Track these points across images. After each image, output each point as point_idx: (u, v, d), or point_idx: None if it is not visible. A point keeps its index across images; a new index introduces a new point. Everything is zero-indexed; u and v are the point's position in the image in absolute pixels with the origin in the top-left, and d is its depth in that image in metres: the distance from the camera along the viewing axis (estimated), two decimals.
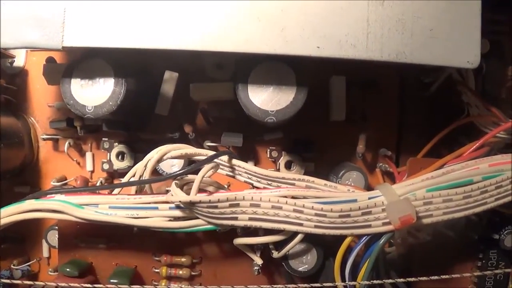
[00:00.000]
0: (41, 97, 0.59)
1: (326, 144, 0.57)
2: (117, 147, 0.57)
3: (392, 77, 0.57)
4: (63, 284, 0.43)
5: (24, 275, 0.59)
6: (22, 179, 0.59)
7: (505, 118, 0.50)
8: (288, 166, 0.56)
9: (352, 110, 0.55)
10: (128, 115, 0.54)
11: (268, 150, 0.57)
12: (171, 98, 0.53)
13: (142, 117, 0.56)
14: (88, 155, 0.59)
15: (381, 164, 0.57)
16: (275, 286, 0.45)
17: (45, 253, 0.60)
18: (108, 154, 0.57)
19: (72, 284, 0.43)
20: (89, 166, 0.59)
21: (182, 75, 0.53)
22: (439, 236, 0.52)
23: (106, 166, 0.57)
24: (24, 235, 0.60)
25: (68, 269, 0.51)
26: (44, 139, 0.59)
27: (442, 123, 0.54)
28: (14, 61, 0.59)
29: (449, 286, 0.54)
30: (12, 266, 0.59)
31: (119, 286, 0.47)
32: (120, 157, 0.57)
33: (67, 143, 0.58)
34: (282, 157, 0.56)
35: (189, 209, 0.45)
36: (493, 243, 0.54)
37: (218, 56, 0.55)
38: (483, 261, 0.55)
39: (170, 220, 0.47)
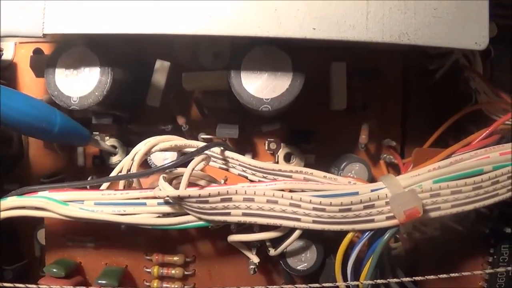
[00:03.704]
0: (30, 91, 0.56)
1: (327, 135, 0.54)
2: (108, 141, 0.54)
3: (396, 64, 0.54)
4: (44, 287, 0.40)
5: (16, 276, 0.56)
6: (12, 177, 0.57)
7: None
8: (287, 158, 0.53)
9: (353, 99, 0.53)
10: (117, 107, 0.51)
11: (266, 142, 0.54)
12: (162, 88, 0.51)
13: (133, 109, 0.54)
14: (79, 150, 0.56)
15: (385, 155, 0.54)
16: (270, 286, 0.42)
17: (37, 252, 0.58)
18: (99, 148, 0.54)
19: (54, 287, 0.41)
20: (80, 162, 0.56)
21: (174, 64, 0.51)
22: (447, 231, 0.49)
23: (97, 161, 0.55)
24: (16, 234, 0.58)
25: (54, 270, 0.49)
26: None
27: (448, 112, 0.51)
28: (2, 54, 0.57)
29: (458, 283, 0.52)
30: (4, 267, 0.56)
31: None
32: (112, 153, 0.54)
33: None
34: (281, 149, 0.53)
35: (179, 204, 0.43)
36: (504, 237, 0.51)
37: (213, 44, 0.52)
38: (494, 257, 0.52)
39: (159, 217, 0.44)
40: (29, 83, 0.56)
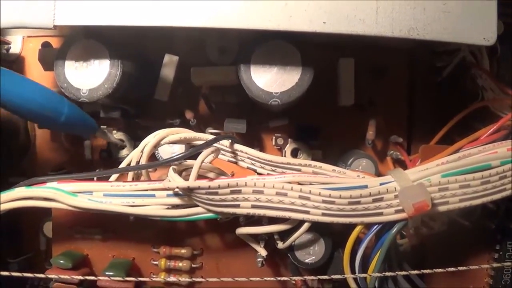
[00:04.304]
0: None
1: (335, 131, 0.55)
2: (116, 135, 0.54)
3: (403, 60, 0.55)
4: (54, 276, 0.40)
5: (21, 269, 0.56)
6: (18, 170, 0.57)
7: None
8: (294, 154, 0.53)
9: (361, 96, 0.53)
10: (126, 101, 0.51)
11: (274, 137, 0.54)
12: (171, 82, 0.51)
13: (141, 103, 0.54)
14: (87, 144, 0.56)
15: (392, 151, 0.54)
16: (279, 278, 0.42)
17: (42, 246, 0.58)
18: (107, 142, 0.54)
19: (62, 276, 0.40)
20: (88, 155, 0.56)
21: (183, 59, 0.51)
22: (454, 226, 0.49)
23: (104, 154, 0.55)
24: (21, 228, 0.58)
25: (61, 261, 0.48)
26: (39, 127, 0.56)
27: (455, 109, 0.51)
28: (10, 47, 0.57)
29: (464, 278, 0.52)
30: (8, 260, 0.56)
31: (114, 278, 0.44)
32: (119, 145, 0.54)
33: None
34: (288, 145, 0.53)
35: (188, 196, 0.43)
36: (511, 233, 0.51)
37: (221, 39, 0.52)
38: (500, 253, 0.52)
39: (168, 208, 0.44)
40: (37, 77, 0.56)
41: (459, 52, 0.51)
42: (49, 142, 0.57)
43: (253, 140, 0.54)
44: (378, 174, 0.51)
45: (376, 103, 0.54)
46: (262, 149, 0.55)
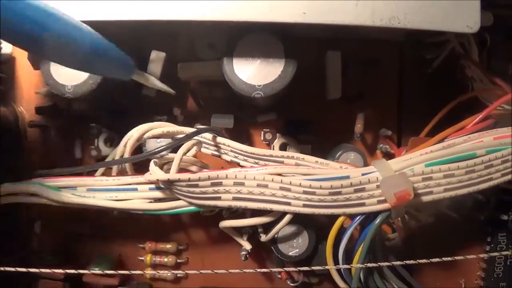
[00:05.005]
0: (28, 84, 0.57)
1: (324, 125, 0.54)
2: (105, 133, 0.54)
3: (392, 52, 0.54)
4: (35, 270, 0.40)
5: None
6: (7, 170, 0.56)
7: (511, 90, 0.46)
8: (283, 148, 0.53)
9: (350, 89, 0.52)
10: (113, 97, 0.51)
11: (262, 132, 0.54)
12: (158, 79, 0.51)
13: (129, 99, 0.54)
14: (77, 143, 0.56)
15: (381, 145, 0.53)
16: (259, 270, 0.42)
17: (35, 245, 0.57)
18: (96, 140, 0.54)
19: (44, 271, 0.41)
20: (78, 154, 0.56)
21: (170, 55, 0.51)
22: (444, 219, 0.48)
23: (94, 153, 0.55)
24: (14, 226, 0.58)
25: (50, 258, 0.48)
26: (30, 126, 0.57)
27: (446, 101, 0.50)
28: (1, 48, 0.57)
29: (455, 271, 0.51)
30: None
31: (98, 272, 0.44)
32: (108, 143, 0.54)
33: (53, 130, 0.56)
34: (276, 140, 0.53)
35: (169, 189, 0.43)
36: (501, 224, 0.50)
37: (208, 34, 0.52)
38: (492, 245, 0.51)
39: (150, 202, 0.44)
40: (27, 76, 0.57)
41: (449, 43, 0.51)
42: (41, 140, 0.57)
43: (241, 135, 0.54)
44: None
45: (365, 96, 0.54)
46: (250, 144, 0.54)
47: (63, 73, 0.47)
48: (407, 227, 0.47)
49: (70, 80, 0.47)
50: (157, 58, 0.51)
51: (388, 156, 0.53)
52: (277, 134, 0.53)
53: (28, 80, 0.57)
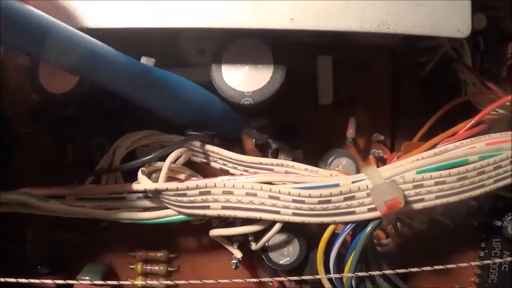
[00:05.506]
0: (20, 89, 0.56)
1: (316, 130, 0.53)
2: (96, 139, 0.54)
3: (385, 57, 0.54)
4: (24, 281, 0.40)
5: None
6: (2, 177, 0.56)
7: (504, 94, 0.46)
8: (275, 154, 0.52)
9: (342, 93, 0.52)
10: (103, 103, 0.51)
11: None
12: None
13: (120, 105, 0.53)
14: (69, 149, 0.56)
15: (374, 150, 0.53)
16: (248, 279, 0.42)
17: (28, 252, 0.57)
18: (88, 145, 0.54)
19: (33, 281, 0.40)
20: (69, 159, 0.56)
21: (160, 61, 0.50)
22: (437, 226, 0.48)
23: (85, 158, 0.54)
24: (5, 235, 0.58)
25: (40, 267, 0.48)
26: (20, 131, 0.56)
27: (439, 105, 0.50)
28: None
29: (450, 278, 0.50)
30: None
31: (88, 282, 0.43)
32: (100, 149, 0.54)
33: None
34: (268, 145, 0.52)
35: (157, 198, 0.42)
36: (495, 230, 0.50)
37: (198, 40, 0.52)
38: (486, 251, 0.51)
39: (139, 211, 0.44)
40: (19, 81, 0.56)
41: (442, 47, 0.50)
42: (33, 148, 0.57)
43: (232, 141, 0.54)
44: (359, 172, 0.50)
45: (357, 101, 0.53)
46: (242, 150, 0.54)
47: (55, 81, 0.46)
48: (400, 234, 0.47)
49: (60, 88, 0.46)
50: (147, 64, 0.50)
51: (381, 161, 0.53)
52: (269, 140, 0.53)
53: (20, 85, 0.56)
